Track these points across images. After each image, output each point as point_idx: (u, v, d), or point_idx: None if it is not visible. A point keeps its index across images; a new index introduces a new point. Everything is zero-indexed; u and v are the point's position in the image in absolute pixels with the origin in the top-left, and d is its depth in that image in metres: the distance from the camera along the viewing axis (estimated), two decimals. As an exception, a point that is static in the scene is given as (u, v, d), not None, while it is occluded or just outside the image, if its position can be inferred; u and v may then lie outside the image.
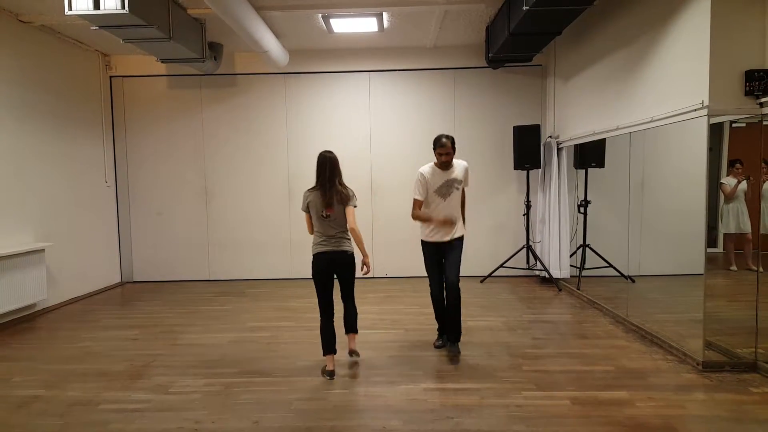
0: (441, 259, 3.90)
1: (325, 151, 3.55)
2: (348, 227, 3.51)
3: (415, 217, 3.88)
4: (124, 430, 2.81)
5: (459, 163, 3.84)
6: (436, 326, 4.18)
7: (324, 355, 3.56)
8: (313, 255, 3.54)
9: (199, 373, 3.60)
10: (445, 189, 3.78)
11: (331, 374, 3.49)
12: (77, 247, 6.02)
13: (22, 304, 4.97)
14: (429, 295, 4.02)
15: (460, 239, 3.88)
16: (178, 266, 6.98)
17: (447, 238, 3.81)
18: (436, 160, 3.81)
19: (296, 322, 4.83)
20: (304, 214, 3.60)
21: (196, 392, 3.29)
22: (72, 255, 5.90)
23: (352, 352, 3.78)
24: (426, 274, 4.00)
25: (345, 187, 3.54)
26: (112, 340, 4.45)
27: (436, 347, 4.05)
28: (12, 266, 4.82)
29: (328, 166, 3.49)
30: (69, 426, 2.87)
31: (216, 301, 5.83)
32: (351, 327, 3.77)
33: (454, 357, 3.81)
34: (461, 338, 3.92)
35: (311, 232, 3.61)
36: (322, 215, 3.47)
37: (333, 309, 3.61)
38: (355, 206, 3.54)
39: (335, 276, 3.61)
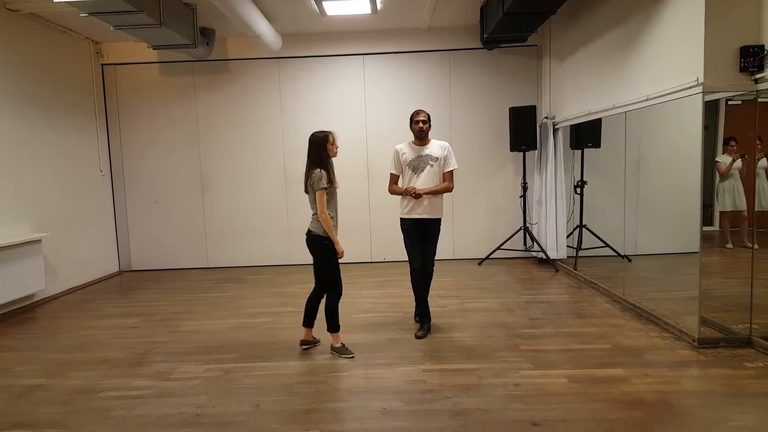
0: (421, 238, 3.97)
1: (315, 132, 3.51)
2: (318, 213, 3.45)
3: (391, 191, 4.05)
4: (126, 417, 2.83)
5: (438, 143, 3.96)
6: (417, 317, 4.15)
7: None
8: None
9: (200, 359, 3.63)
10: (417, 162, 3.88)
11: (302, 343, 3.74)
12: (74, 237, 6.01)
13: (21, 294, 4.97)
14: None
15: (438, 222, 3.98)
16: (177, 254, 6.98)
17: (424, 215, 3.89)
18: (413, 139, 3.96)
19: (295, 308, 4.84)
20: (301, 198, 3.78)
21: (196, 378, 3.31)
22: (69, 245, 5.89)
23: (332, 349, 3.65)
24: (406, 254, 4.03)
25: (312, 170, 3.43)
26: (112, 328, 4.47)
27: (418, 338, 3.89)
28: (9, 257, 4.81)
29: (310, 147, 3.49)
30: (71, 414, 2.90)
31: (215, 288, 5.84)
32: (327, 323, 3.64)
33: (424, 335, 3.90)
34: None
35: None
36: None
37: (318, 284, 3.72)
38: (319, 189, 3.36)
39: None
